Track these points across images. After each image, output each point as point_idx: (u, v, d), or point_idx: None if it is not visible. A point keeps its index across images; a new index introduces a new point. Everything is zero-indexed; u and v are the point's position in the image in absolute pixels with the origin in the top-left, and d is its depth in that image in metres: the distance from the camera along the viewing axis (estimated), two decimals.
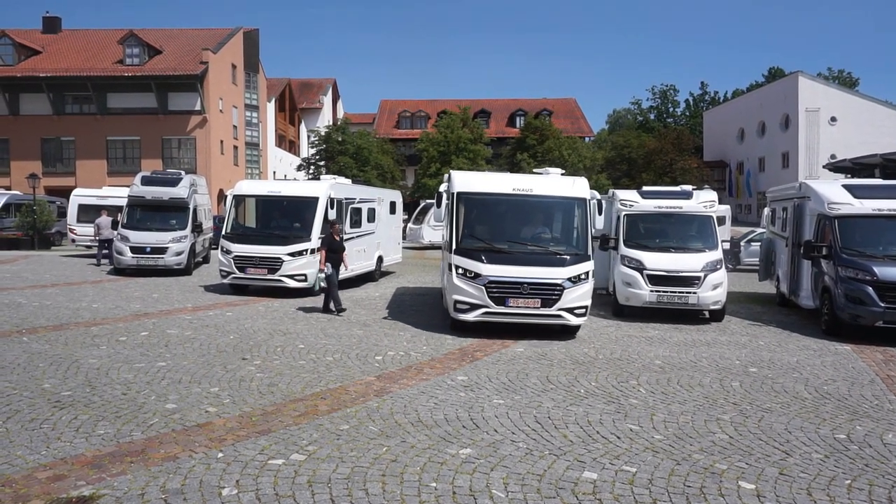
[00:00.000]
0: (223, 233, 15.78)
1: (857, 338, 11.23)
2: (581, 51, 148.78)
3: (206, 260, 22.24)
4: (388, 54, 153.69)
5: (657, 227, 13.77)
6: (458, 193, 11.38)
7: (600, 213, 11.69)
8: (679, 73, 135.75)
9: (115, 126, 40.22)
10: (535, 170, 13.23)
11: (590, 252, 11.13)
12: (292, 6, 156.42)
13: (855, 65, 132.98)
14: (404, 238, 26.66)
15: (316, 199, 15.49)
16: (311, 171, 49.96)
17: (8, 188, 34.60)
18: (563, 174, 12.52)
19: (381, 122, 63.80)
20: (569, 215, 11.53)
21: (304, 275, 15.02)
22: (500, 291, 10.51)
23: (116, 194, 24.94)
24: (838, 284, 11.31)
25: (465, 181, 11.68)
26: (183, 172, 20.69)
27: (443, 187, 12.33)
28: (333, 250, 12.86)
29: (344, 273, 13.19)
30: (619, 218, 13.81)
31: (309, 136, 57.18)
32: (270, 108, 52.02)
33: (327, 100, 67.01)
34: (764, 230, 19.51)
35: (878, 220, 11.83)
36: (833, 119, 49.68)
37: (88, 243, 24.11)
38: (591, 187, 12.09)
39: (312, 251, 15.05)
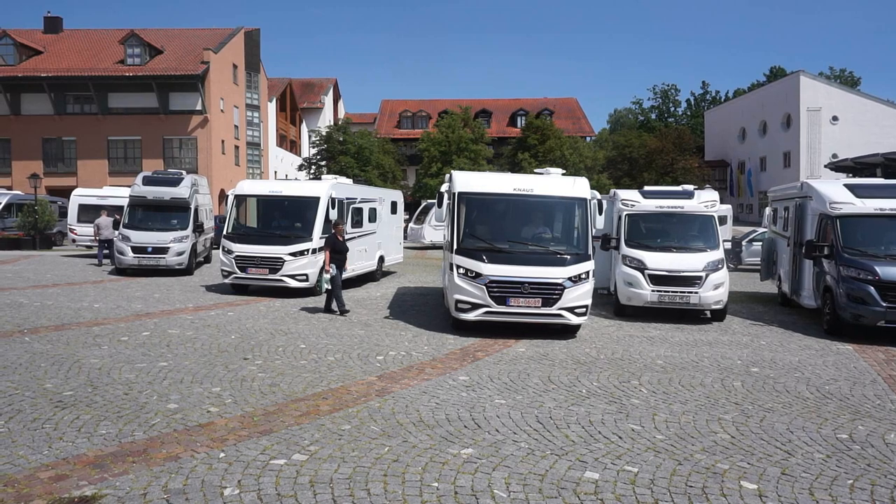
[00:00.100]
0: (224, 233, 15.78)
1: (859, 337, 11.22)
2: (582, 50, 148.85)
3: (207, 260, 22.26)
4: (389, 54, 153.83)
5: (658, 226, 13.76)
6: (460, 193, 11.39)
7: (601, 213, 11.70)
8: (680, 73, 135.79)
9: (116, 126, 40.25)
10: (535, 170, 13.24)
11: (590, 252, 11.14)
12: (293, 6, 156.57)
13: (856, 64, 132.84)
14: (405, 238, 26.68)
15: (317, 199, 15.49)
16: (312, 171, 49.99)
17: (9, 188, 34.63)
18: (563, 174, 12.52)
19: (382, 121, 63.80)
20: (569, 215, 11.54)
21: (306, 275, 15.02)
22: (501, 291, 10.53)
23: (116, 194, 24.97)
24: (840, 284, 11.30)
25: (467, 181, 11.70)
26: (184, 172, 20.69)
27: (444, 187, 12.34)
28: (337, 251, 12.86)
29: (345, 273, 13.18)
30: (620, 218, 13.80)
31: (310, 136, 57.22)
32: (271, 107, 52.04)
33: (328, 100, 67.03)
34: (765, 230, 19.50)
35: (879, 219, 11.81)
36: (835, 118, 49.63)
37: (89, 243, 24.13)
38: (593, 187, 12.09)
39: (313, 251, 15.07)
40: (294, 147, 60.15)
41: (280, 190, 16.54)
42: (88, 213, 24.49)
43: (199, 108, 40.01)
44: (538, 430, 6.21)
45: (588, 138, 59.87)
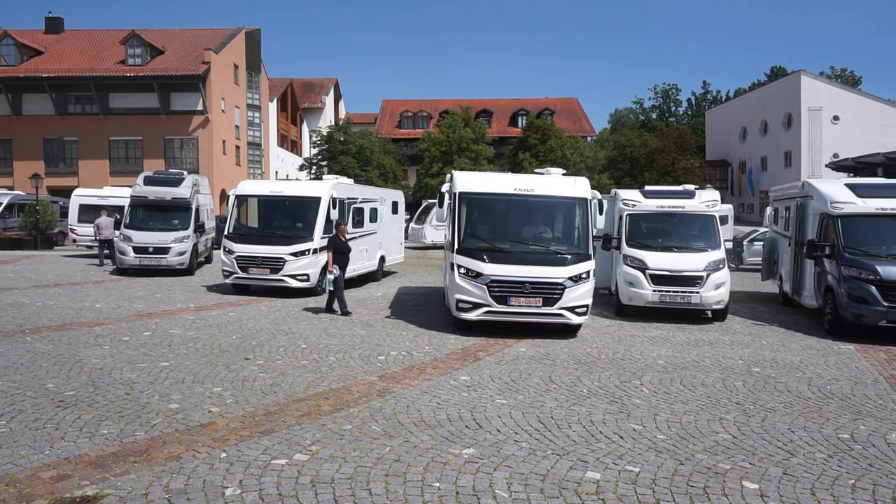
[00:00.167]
0: (225, 233, 15.79)
1: (861, 337, 11.20)
2: (583, 50, 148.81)
3: (208, 260, 22.27)
4: (390, 54, 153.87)
5: (659, 226, 13.75)
6: (460, 193, 11.40)
7: (601, 213, 11.70)
8: (681, 73, 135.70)
9: (117, 126, 40.29)
10: (536, 170, 13.24)
11: (591, 251, 11.15)
12: (294, 6, 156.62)
13: (857, 63, 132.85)
14: (406, 238, 26.69)
15: (318, 199, 15.50)
16: (313, 171, 50.01)
17: (11, 188, 34.67)
18: (564, 174, 12.53)
19: (383, 121, 63.81)
20: (570, 215, 11.55)
21: (307, 275, 15.03)
22: (502, 290, 10.54)
23: (117, 194, 24.99)
24: (841, 284, 11.29)
25: (467, 181, 11.72)
26: (185, 172, 20.70)
27: (445, 187, 12.34)
28: (340, 252, 12.86)
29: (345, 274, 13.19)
30: (621, 217, 13.79)
31: (311, 136, 57.27)
32: (272, 108, 52.06)
33: (329, 100, 67.03)
34: (766, 229, 19.48)
35: (881, 219, 11.80)
36: (836, 118, 49.59)
37: (89, 243, 24.15)
38: (594, 187, 12.09)
39: (314, 251, 15.07)
40: (295, 147, 60.17)
41: (281, 190, 16.55)
42: (89, 213, 24.51)
43: (200, 108, 40.03)
44: (539, 430, 6.21)
45: (589, 138, 59.86)
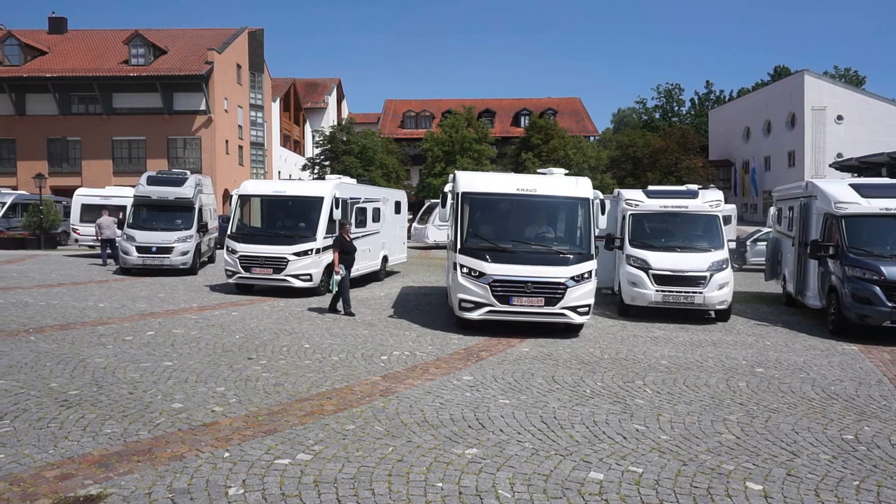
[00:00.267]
0: (228, 232, 15.81)
1: (865, 338, 11.18)
2: (585, 50, 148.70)
3: (211, 260, 22.30)
4: (392, 54, 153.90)
5: (663, 226, 13.73)
6: (463, 193, 11.41)
7: (603, 213, 11.71)
8: (684, 72, 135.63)
9: (120, 126, 40.37)
10: (538, 170, 13.24)
11: (593, 251, 11.16)
12: (297, 6, 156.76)
13: (861, 63, 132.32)
14: (409, 238, 26.69)
15: (321, 199, 15.51)
16: (315, 171, 50.05)
17: (14, 188, 34.78)
18: (566, 174, 12.53)
19: (385, 121, 63.82)
20: (572, 215, 11.57)
21: (310, 274, 15.04)
22: (505, 290, 10.56)
23: (119, 194, 25.03)
24: (845, 284, 11.26)
25: (470, 181, 11.73)
26: (188, 172, 20.73)
27: (448, 187, 12.36)
28: (346, 251, 12.86)
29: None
30: (624, 217, 13.78)
31: (314, 136, 57.29)
32: (275, 107, 52.11)
33: (332, 100, 67.07)
34: (770, 229, 19.45)
35: (885, 219, 11.77)
36: (839, 118, 49.46)
37: (91, 243, 24.20)
38: (596, 187, 12.09)
39: (317, 251, 15.08)
40: (298, 147, 60.23)
41: (284, 190, 16.57)
42: (91, 212, 24.56)
43: (203, 108, 40.09)
44: (542, 431, 6.20)
45: (592, 138, 59.79)
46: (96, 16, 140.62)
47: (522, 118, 60.06)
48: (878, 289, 10.81)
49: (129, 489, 4.71)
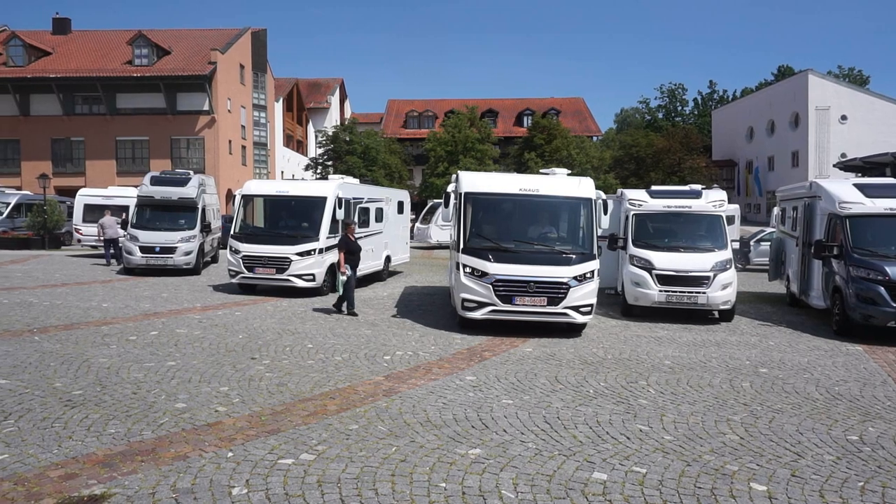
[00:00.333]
0: (232, 232, 15.83)
1: (869, 338, 11.15)
2: (589, 50, 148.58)
3: (214, 260, 22.32)
4: (395, 54, 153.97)
5: (666, 226, 13.71)
6: (466, 193, 11.42)
7: (606, 213, 11.71)
8: (687, 72, 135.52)
9: (124, 126, 40.47)
10: (541, 170, 13.24)
11: (595, 251, 11.16)
12: (300, 6, 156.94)
13: (865, 62, 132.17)
14: (412, 238, 26.69)
15: (324, 199, 15.52)
16: (318, 171, 50.10)
17: (19, 188, 34.87)
18: (569, 174, 12.53)
19: (388, 121, 63.86)
20: (574, 215, 11.58)
21: (313, 274, 15.04)
22: (507, 290, 10.56)
23: (122, 194, 25.09)
24: (849, 284, 11.22)
25: (473, 181, 11.75)
26: (192, 172, 20.76)
27: (451, 187, 12.36)
28: (351, 251, 12.87)
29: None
30: (627, 217, 13.76)
31: (317, 136, 57.35)
32: (278, 107, 52.18)
33: (335, 100, 67.12)
34: (774, 229, 19.40)
35: (889, 219, 11.73)
36: (843, 117, 49.35)
37: (94, 243, 24.26)
38: (599, 187, 12.09)
39: (320, 251, 15.09)
40: (301, 147, 60.29)
41: (287, 190, 16.58)
42: (94, 212, 24.61)
43: (206, 108, 40.16)
44: (546, 431, 6.19)
45: (595, 138, 59.77)
46: (100, 16, 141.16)
47: (525, 118, 60.07)
48: (882, 289, 10.77)
49: (132, 489, 4.71)
